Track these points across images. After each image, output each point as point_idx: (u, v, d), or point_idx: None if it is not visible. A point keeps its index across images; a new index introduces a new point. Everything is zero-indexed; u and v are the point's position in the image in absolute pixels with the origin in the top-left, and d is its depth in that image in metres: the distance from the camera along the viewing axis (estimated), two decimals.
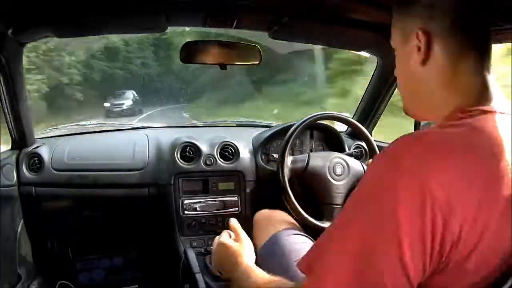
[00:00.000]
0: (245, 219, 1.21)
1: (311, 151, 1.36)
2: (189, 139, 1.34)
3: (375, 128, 1.49)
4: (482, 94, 0.49)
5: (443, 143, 0.44)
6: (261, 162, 1.33)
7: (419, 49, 0.51)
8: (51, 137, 1.44)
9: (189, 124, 1.70)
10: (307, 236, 0.98)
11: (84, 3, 0.84)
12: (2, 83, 1.06)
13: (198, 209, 1.29)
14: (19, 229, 1.25)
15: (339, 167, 1.17)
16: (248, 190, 1.33)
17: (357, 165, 1.20)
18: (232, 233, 0.80)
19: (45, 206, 1.28)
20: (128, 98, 11.17)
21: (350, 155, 1.27)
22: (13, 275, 1.21)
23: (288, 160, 1.17)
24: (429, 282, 0.44)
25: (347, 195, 1.15)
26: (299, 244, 0.91)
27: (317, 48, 7.03)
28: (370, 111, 1.43)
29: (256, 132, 1.45)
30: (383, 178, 0.43)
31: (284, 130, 1.25)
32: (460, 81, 0.50)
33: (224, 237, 0.79)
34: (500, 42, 0.83)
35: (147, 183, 1.29)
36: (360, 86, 4.97)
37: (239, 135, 1.42)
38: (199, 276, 1.05)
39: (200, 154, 1.31)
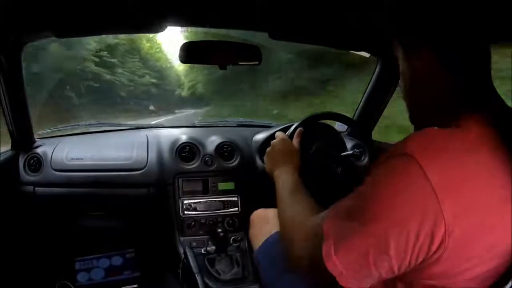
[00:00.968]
0: (245, 219, 1.21)
1: (311, 151, 1.36)
2: (189, 139, 1.34)
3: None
4: (482, 97, 0.51)
5: (442, 137, 0.45)
6: (261, 162, 1.33)
7: (422, 62, 0.53)
8: (51, 137, 1.44)
9: (189, 124, 1.69)
10: None
11: (84, 3, 0.84)
12: (2, 83, 1.06)
13: (198, 209, 1.29)
14: (19, 229, 1.25)
15: (339, 168, 1.17)
16: (248, 190, 1.33)
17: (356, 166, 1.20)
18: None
19: (45, 206, 1.28)
20: None
21: (350, 155, 1.27)
22: (13, 275, 1.21)
23: None
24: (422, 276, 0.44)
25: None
26: None
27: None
28: (370, 111, 1.43)
29: (256, 132, 1.45)
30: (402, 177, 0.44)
31: (284, 130, 1.25)
32: (463, 87, 0.52)
33: (286, 137, 0.94)
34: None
35: (147, 183, 1.29)
36: None
37: (239, 135, 1.42)
38: (198, 276, 1.06)
39: (200, 154, 1.31)
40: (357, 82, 4.76)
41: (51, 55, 6.31)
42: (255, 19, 1.00)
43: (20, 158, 1.26)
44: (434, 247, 0.42)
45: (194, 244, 1.24)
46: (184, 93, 14.11)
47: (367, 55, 1.31)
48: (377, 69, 1.34)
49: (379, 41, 1.13)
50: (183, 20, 1.02)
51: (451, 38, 0.52)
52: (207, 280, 1.10)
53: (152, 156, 1.31)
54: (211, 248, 1.19)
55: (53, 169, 1.25)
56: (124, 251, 1.38)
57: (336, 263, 0.46)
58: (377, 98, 1.39)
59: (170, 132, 1.47)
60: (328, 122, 1.38)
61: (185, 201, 1.28)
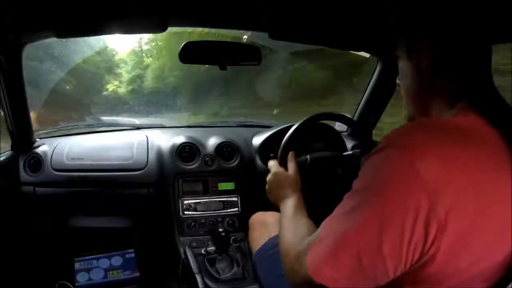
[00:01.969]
0: (245, 220, 1.21)
1: (311, 151, 1.36)
2: (189, 139, 1.34)
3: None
4: (482, 97, 0.51)
5: (438, 128, 0.46)
6: (261, 162, 1.33)
7: (423, 63, 0.53)
8: (51, 137, 1.44)
9: (189, 124, 1.69)
10: None
11: (84, 3, 0.84)
12: (2, 83, 1.06)
13: (198, 209, 1.28)
14: (19, 229, 1.25)
15: (339, 168, 1.17)
16: (248, 190, 1.33)
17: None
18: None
19: (45, 206, 1.28)
20: None
21: (350, 155, 1.27)
22: (13, 275, 1.21)
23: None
24: (420, 274, 0.44)
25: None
26: None
27: None
28: (370, 111, 1.43)
29: (256, 132, 1.45)
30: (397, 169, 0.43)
31: (284, 130, 1.25)
32: (463, 87, 0.52)
33: (279, 167, 0.91)
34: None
35: (147, 183, 1.29)
36: None
37: (239, 135, 1.42)
38: (198, 276, 1.05)
39: (200, 154, 1.31)
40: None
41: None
42: (255, 19, 1.00)
43: (20, 158, 1.26)
44: (428, 245, 0.41)
45: (194, 244, 1.24)
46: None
47: (367, 55, 1.32)
48: (377, 69, 1.34)
49: (379, 41, 1.13)
50: (183, 20, 1.02)
51: (451, 37, 0.52)
52: (207, 280, 1.10)
53: (152, 156, 1.31)
54: (211, 248, 1.19)
55: (53, 169, 1.25)
56: (124, 251, 1.38)
57: (327, 276, 0.46)
58: (377, 98, 1.39)
59: (170, 132, 1.47)
60: (328, 122, 1.38)
61: (185, 201, 1.28)
